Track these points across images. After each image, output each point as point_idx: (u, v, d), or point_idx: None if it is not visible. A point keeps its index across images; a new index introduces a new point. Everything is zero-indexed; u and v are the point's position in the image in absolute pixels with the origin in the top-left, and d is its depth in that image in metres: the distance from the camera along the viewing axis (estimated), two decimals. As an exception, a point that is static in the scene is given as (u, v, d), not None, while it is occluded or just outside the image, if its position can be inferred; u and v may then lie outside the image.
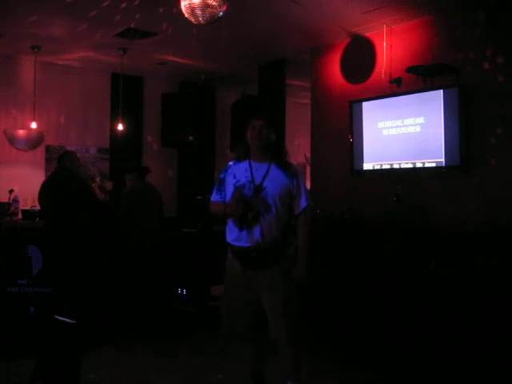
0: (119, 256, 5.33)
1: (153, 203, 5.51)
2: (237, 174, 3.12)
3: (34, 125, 6.59)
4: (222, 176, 3.22)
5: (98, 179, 6.43)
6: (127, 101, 7.24)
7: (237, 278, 3.13)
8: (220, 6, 3.83)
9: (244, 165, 3.13)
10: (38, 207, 5.73)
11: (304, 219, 3.12)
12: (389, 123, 5.45)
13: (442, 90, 4.99)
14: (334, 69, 6.16)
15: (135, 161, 6.49)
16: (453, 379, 3.81)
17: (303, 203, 3.11)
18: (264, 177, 3.06)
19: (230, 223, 3.12)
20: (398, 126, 5.38)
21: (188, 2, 3.80)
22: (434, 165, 5.04)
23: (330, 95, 6.21)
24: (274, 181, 3.06)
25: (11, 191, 6.00)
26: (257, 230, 3.00)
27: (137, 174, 5.49)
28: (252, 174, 3.07)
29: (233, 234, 3.09)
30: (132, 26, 5.55)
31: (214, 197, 3.22)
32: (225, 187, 3.16)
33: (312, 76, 6.47)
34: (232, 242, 3.11)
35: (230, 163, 3.21)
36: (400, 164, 5.34)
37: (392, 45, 5.49)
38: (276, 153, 3.14)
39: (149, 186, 5.60)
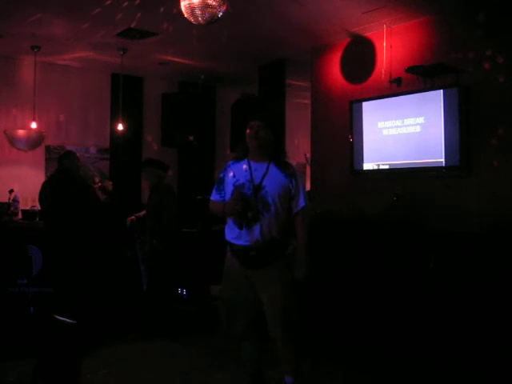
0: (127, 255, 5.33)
1: None
2: (236, 173, 3.13)
3: (34, 125, 6.60)
4: (221, 175, 3.24)
5: (97, 179, 6.43)
6: (127, 101, 7.24)
7: (235, 277, 3.13)
8: (220, 5, 3.83)
9: (243, 164, 3.15)
10: (38, 207, 5.72)
11: (302, 218, 3.14)
12: (389, 123, 5.45)
13: (441, 90, 4.99)
14: (334, 69, 6.15)
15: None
16: (453, 379, 3.80)
17: (301, 203, 3.12)
18: (263, 176, 3.08)
19: (230, 222, 3.13)
20: (398, 126, 5.38)
21: (188, 2, 3.80)
22: (434, 165, 5.04)
23: (330, 95, 6.21)
24: (272, 180, 3.07)
25: (11, 191, 6.00)
26: (256, 228, 3.02)
27: (161, 171, 5.33)
28: (251, 174, 3.09)
29: (233, 233, 3.11)
30: (132, 25, 5.55)
31: (214, 196, 3.24)
32: (224, 186, 3.18)
33: (312, 76, 6.47)
34: (232, 241, 3.12)
35: (230, 163, 3.23)
36: (400, 164, 5.34)
37: (392, 45, 5.49)
38: (275, 153, 3.16)
39: None
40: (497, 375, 3.76)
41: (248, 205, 3.01)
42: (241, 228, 3.05)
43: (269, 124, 3.16)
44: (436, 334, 4.30)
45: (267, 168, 3.10)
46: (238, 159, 3.19)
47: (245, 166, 3.13)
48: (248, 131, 3.14)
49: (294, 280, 3.09)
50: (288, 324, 3.08)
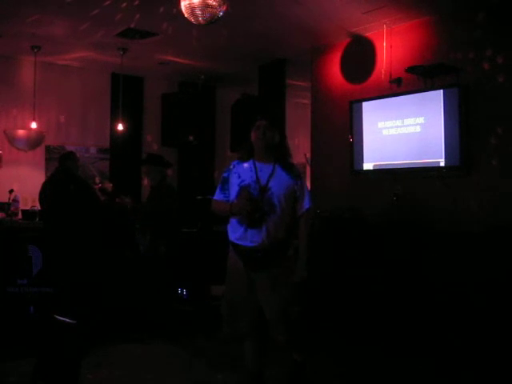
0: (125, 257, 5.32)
1: None
2: (241, 173, 3.12)
3: (34, 125, 6.60)
4: (225, 175, 3.21)
5: (98, 180, 6.43)
6: (127, 101, 7.25)
7: (238, 277, 3.12)
8: (220, 5, 3.83)
9: (248, 165, 3.13)
10: (38, 207, 5.73)
11: (306, 220, 3.14)
12: (389, 123, 5.45)
13: (441, 90, 4.99)
14: (334, 69, 6.16)
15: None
16: (453, 379, 3.80)
17: (306, 204, 3.13)
18: (269, 177, 3.07)
19: (234, 222, 3.11)
20: (398, 126, 5.38)
21: (188, 2, 3.81)
22: (434, 165, 5.04)
23: (330, 95, 6.21)
24: (278, 182, 3.07)
25: (11, 191, 6.00)
26: (263, 229, 3.01)
27: (163, 168, 5.17)
28: (257, 174, 3.08)
29: (236, 233, 3.09)
30: (132, 26, 5.55)
31: (218, 196, 3.22)
32: (229, 186, 3.16)
33: (312, 76, 6.47)
34: (236, 241, 3.11)
35: (234, 163, 3.20)
36: (400, 164, 5.34)
37: (392, 45, 5.49)
38: (280, 153, 3.16)
39: None
40: (497, 375, 3.76)
41: (256, 205, 3.00)
42: (247, 228, 3.04)
43: (275, 124, 3.16)
44: (436, 334, 4.30)
45: (273, 169, 3.09)
46: (243, 159, 3.18)
47: (248, 169, 3.11)
48: (254, 131, 3.13)
49: (295, 282, 3.09)
50: (290, 325, 3.08)
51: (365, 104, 5.68)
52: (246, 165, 3.14)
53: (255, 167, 3.10)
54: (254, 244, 3.02)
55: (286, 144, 3.24)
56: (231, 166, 3.19)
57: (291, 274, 3.07)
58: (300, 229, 3.13)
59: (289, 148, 3.25)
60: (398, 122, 5.36)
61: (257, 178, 3.07)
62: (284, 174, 3.10)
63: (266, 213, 3.01)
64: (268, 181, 3.05)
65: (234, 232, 3.11)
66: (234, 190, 3.11)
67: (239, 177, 3.11)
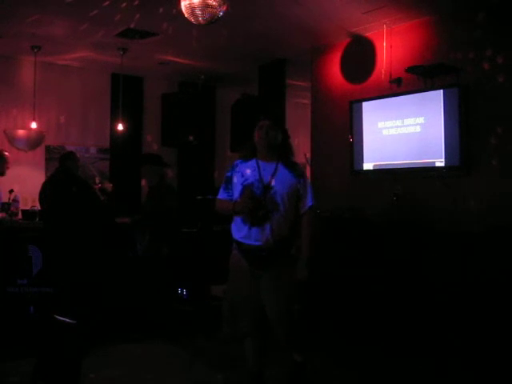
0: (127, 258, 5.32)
1: None
2: (244, 172, 3.13)
3: (34, 125, 6.60)
4: (229, 174, 3.22)
5: (97, 180, 6.43)
6: (127, 101, 7.25)
7: (242, 276, 3.13)
8: (220, 5, 3.83)
9: (251, 164, 3.15)
10: (38, 207, 5.72)
11: (308, 218, 3.16)
12: (389, 123, 5.45)
13: (441, 90, 4.99)
14: (334, 69, 6.16)
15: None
16: (453, 379, 3.81)
17: (309, 202, 3.16)
18: (272, 176, 3.09)
19: (238, 221, 3.12)
20: (398, 126, 5.38)
21: (188, 2, 3.81)
22: (434, 165, 5.05)
23: (330, 95, 6.21)
24: (281, 180, 3.08)
25: (11, 191, 6.00)
26: (266, 228, 3.03)
27: (160, 168, 5.14)
28: (260, 173, 3.09)
29: (241, 232, 3.10)
30: (132, 26, 5.55)
31: (221, 195, 3.23)
32: (232, 186, 3.18)
33: (312, 76, 6.47)
34: (240, 240, 3.12)
35: (237, 162, 3.22)
36: (400, 164, 5.34)
37: (392, 45, 5.49)
38: (283, 152, 3.17)
39: None
40: (497, 375, 3.76)
41: (259, 203, 3.01)
42: (251, 227, 3.04)
43: (277, 123, 3.17)
44: (436, 334, 4.30)
45: (276, 168, 3.11)
46: (246, 159, 3.19)
47: (251, 168, 3.12)
48: (257, 131, 3.14)
49: (297, 280, 3.10)
50: (291, 324, 3.08)
51: (365, 104, 5.68)
52: (249, 164, 3.16)
53: (258, 166, 3.12)
54: (259, 242, 3.04)
55: (288, 143, 3.25)
56: (234, 165, 3.20)
57: (294, 273, 3.08)
58: (302, 227, 3.16)
59: (292, 147, 3.27)
60: (398, 122, 5.36)
61: (260, 176, 3.08)
62: (287, 173, 3.11)
63: (270, 211, 3.02)
64: (271, 179, 3.07)
65: (239, 231, 3.12)
66: (237, 189, 3.12)
67: (242, 176, 3.12)
